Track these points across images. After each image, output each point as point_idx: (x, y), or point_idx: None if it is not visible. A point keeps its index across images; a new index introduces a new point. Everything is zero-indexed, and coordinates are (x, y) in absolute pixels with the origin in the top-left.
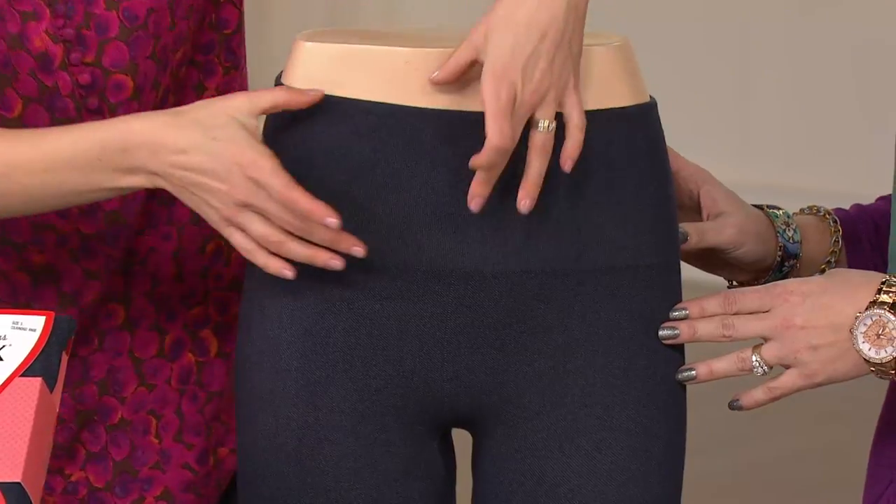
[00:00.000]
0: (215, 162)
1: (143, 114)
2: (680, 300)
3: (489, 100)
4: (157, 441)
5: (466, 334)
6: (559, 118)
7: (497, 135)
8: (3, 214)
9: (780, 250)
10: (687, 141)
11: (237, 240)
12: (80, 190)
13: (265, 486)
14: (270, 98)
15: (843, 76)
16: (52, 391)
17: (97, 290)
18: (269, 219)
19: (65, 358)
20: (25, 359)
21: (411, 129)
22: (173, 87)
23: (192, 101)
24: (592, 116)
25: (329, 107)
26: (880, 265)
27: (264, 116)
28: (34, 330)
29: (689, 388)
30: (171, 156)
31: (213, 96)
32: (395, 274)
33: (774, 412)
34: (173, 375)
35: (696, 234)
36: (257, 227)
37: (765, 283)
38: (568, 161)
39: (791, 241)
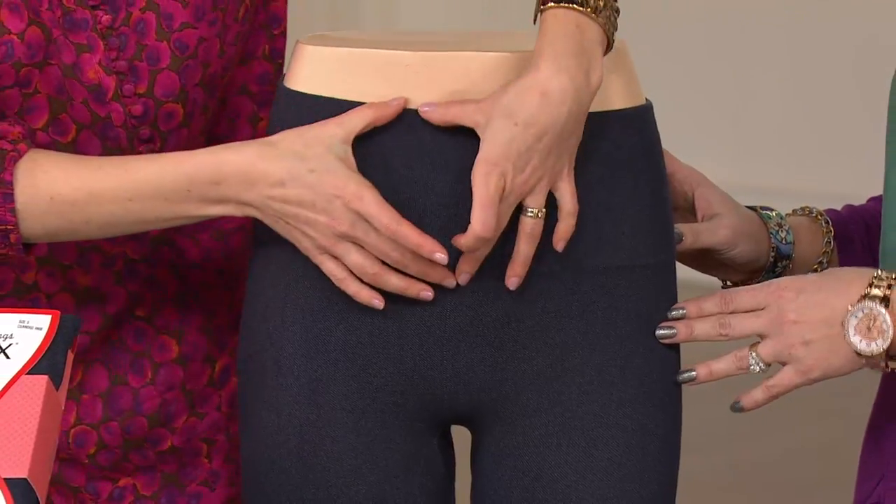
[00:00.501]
0: (315, 194)
1: (233, 145)
2: (676, 300)
3: (478, 188)
4: (207, 462)
5: (465, 333)
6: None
7: (480, 225)
8: (79, 238)
9: (772, 251)
10: (684, 142)
11: (329, 267)
12: (165, 217)
13: (268, 482)
14: (360, 119)
15: (841, 77)
16: (57, 389)
17: (141, 311)
18: (367, 249)
19: (70, 356)
20: (32, 357)
21: (411, 131)
22: (226, 116)
23: (247, 132)
24: (591, 117)
25: (331, 109)
26: (871, 265)
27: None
28: (40, 329)
29: (684, 386)
30: (267, 188)
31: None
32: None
33: (770, 410)
34: (223, 401)
35: (690, 234)
36: (355, 257)
37: (758, 283)
38: (560, 242)
39: (784, 241)
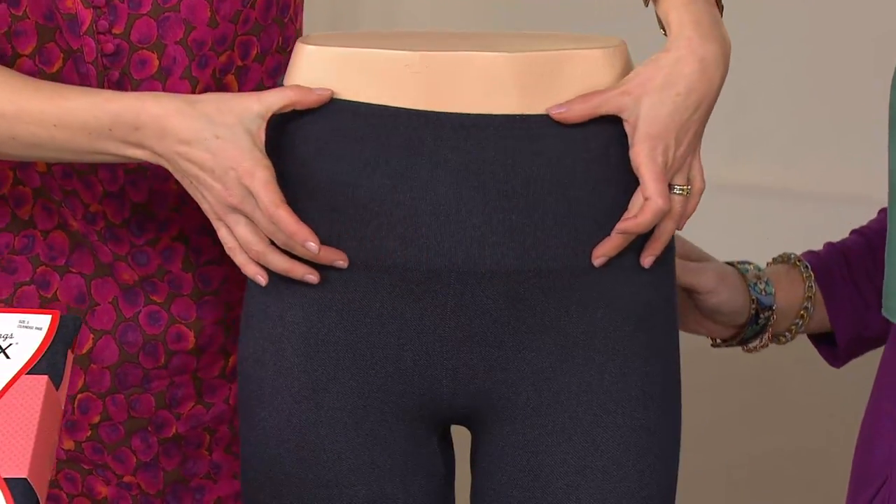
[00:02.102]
0: (214, 161)
1: (160, 94)
2: (676, 299)
3: (647, 162)
4: (207, 453)
5: (465, 333)
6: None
7: (661, 197)
8: (10, 154)
9: (753, 303)
10: None
11: (222, 234)
12: (87, 150)
13: (268, 482)
14: (280, 99)
15: (840, 75)
16: (57, 389)
17: (133, 277)
18: (256, 225)
19: (70, 356)
20: (31, 357)
21: (412, 131)
22: None
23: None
24: (591, 118)
25: (330, 109)
26: (858, 301)
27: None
28: (40, 328)
29: (684, 385)
30: (175, 144)
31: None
32: (395, 273)
33: (771, 409)
34: (231, 395)
35: (677, 268)
36: (242, 231)
37: (743, 336)
38: (684, 220)
39: (763, 293)
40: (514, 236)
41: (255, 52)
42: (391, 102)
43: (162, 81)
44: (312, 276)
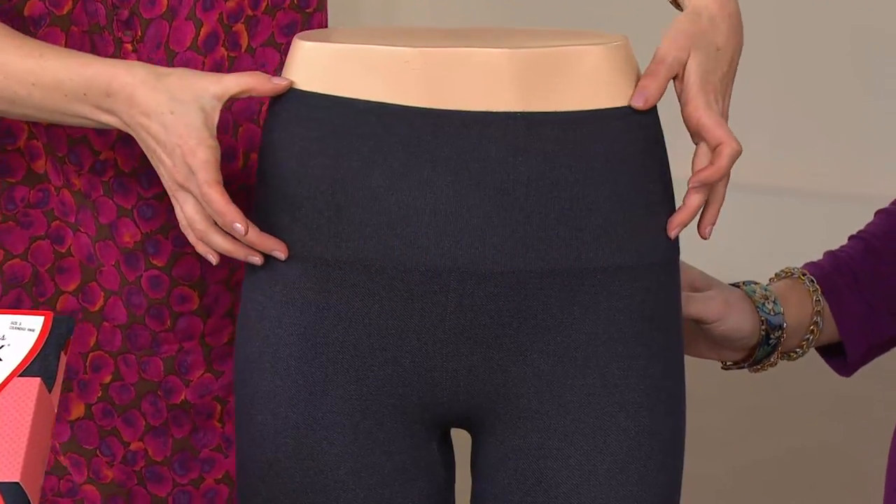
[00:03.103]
0: (166, 136)
1: (134, 63)
2: (680, 300)
3: (708, 113)
4: (220, 425)
5: (465, 334)
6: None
7: (734, 139)
8: None
9: (763, 324)
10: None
11: (176, 211)
12: (63, 111)
13: (264, 486)
14: (237, 84)
15: (840, 73)
16: (50, 391)
17: (135, 236)
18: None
19: (63, 358)
20: (24, 359)
21: (411, 129)
22: (253, 67)
23: None
24: (593, 115)
25: (328, 106)
26: (866, 309)
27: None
28: (33, 330)
29: (688, 388)
30: (138, 115)
31: None
32: (394, 273)
33: (775, 411)
34: None
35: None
36: (189, 209)
37: (755, 357)
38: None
39: (772, 313)
40: (515, 236)
41: (265, 3)
42: (390, 100)
43: (169, 21)
44: (256, 258)
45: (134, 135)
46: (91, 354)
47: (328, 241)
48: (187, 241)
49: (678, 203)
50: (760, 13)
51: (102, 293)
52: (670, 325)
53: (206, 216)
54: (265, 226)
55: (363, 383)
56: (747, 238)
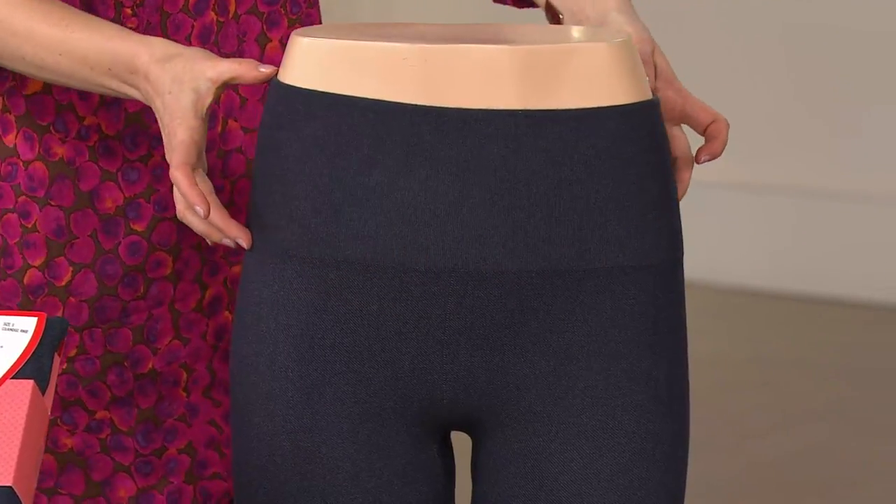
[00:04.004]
0: (164, 116)
1: (155, 41)
2: (684, 301)
3: (690, 97)
4: (185, 394)
5: (466, 335)
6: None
7: (719, 113)
8: (16, 68)
9: None
10: (688, 139)
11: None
12: (90, 82)
13: (261, 490)
14: (229, 69)
15: (841, 73)
16: (43, 393)
17: (117, 200)
18: None
19: (56, 360)
20: (17, 361)
21: (410, 126)
22: (235, 34)
23: (255, 52)
24: (596, 113)
25: (326, 104)
26: None
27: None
28: (26, 331)
29: (692, 390)
30: (151, 93)
31: (278, 49)
32: (393, 274)
33: (779, 411)
34: (209, 331)
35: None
36: (176, 189)
37: None
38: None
39: None
40: (516, 236)
41: None
42: (389, 97)
43: None
44: (228, 242)
45: (155, 110)
46: None
47: (326, 241)
48: (169, 205)
49: (681, 203)
50: (769, 18)
51: (71, 267)
52: (674, 325)
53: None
54: (261, 225)
55: (362, 386)
56: (748, 238)
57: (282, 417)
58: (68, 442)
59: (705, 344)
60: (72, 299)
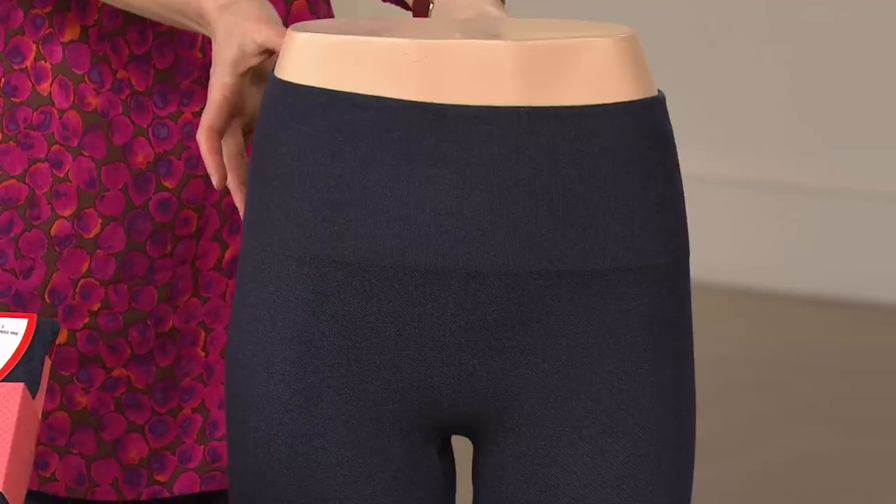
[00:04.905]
0: (212, 64)
1: None
2: (689, 301)
3: None
4: (203, 354)
5: (467, 337)
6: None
7: None
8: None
9: None
10: (694, 136)
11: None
12: (165, 18)
13: (257, 495)
14: (274, 42)
15: (845, 70)
16: (34, 397)
17: (148, 156)
18: None
19: (47, 362)
20: (7, 363)
21: (409, 124)
22: None
23: (281, 10)
24: (599, 110)
25: (324, 101)
26: None
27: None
28: (16, 333)
29: (698, 393)
30: (211, 36)
31: (304, 8)
32: (392, 274)
33: (785, 417)
34: (227, 291)
35: None
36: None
37: None
38: None
39: None
40: (518, 235)
41: None
42: (388, 94)
43: None
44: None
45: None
46: (81, 281)
47: (324, 240)
48: (200, 162)
49: (686, 202)
50: (773, 14)
51: (100, 219)
52: (679, 327)
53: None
54: (257, 224)
55: (360, 389)
56: (755, 237)
57: (278, 421)
58: (82, 400)
59: (711, 346)
60: (99, 252)
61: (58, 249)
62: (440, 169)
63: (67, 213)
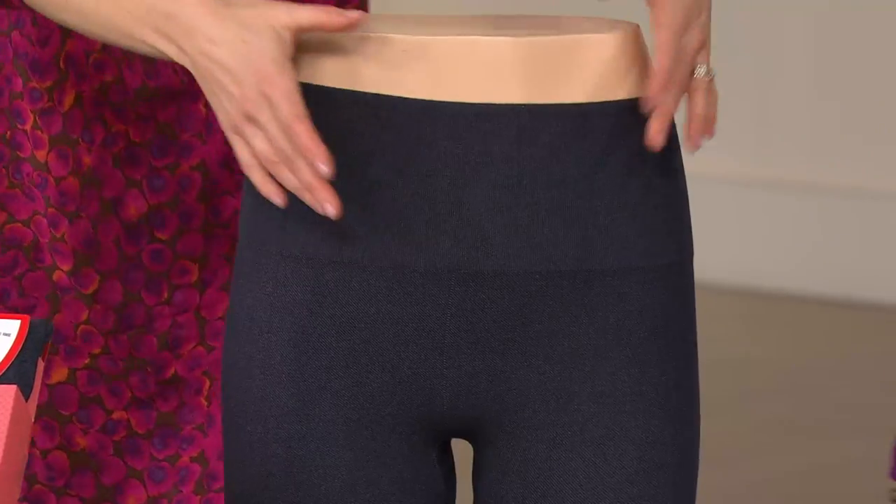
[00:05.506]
0: (237, 63)
1: None
2: (693, 302)
3: (670, 44)
4: (205, 403)
5: (467, 338)
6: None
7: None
8: (54, 17)
9: None
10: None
11: (240, 152)
12: (126, 33)
13: (253, 500)
14: (310, 17)
15: (864, 69)
16: (27, 399)
17: (141, 209)
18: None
19: (41, 364)
20: None
21: (409, 122)
22: None
23: None
24: (602, 108)
25: (323, 98)
26: None
27: None
28: (8, 335)
29: (702, 396)
30: (202, 42)
31: None
32: (392, 275)
33: (792, 424)
34: None
35: None
36: (259, 143)
37: None
38: (657, 137)
39: None
40: (519, 235)
41: None
42: (387, 91)
43: None
44: (330, 208)
45: (191, 65)
46: (82, 327)
47: (322, 240)
48: (194, 216)
49: (691, 201)
50: (790, 13)
51: (97, 276)
52: (683, 329)
53: (279, 150)
54: (255, 223)
55: (359, 391)
56: (762, 237)
57: (275, 424)
58: (81, 441)
59: (718, 350)
60: (98, 306)
61: (59, 294)
62: (440, 167)
63: (66, 268)
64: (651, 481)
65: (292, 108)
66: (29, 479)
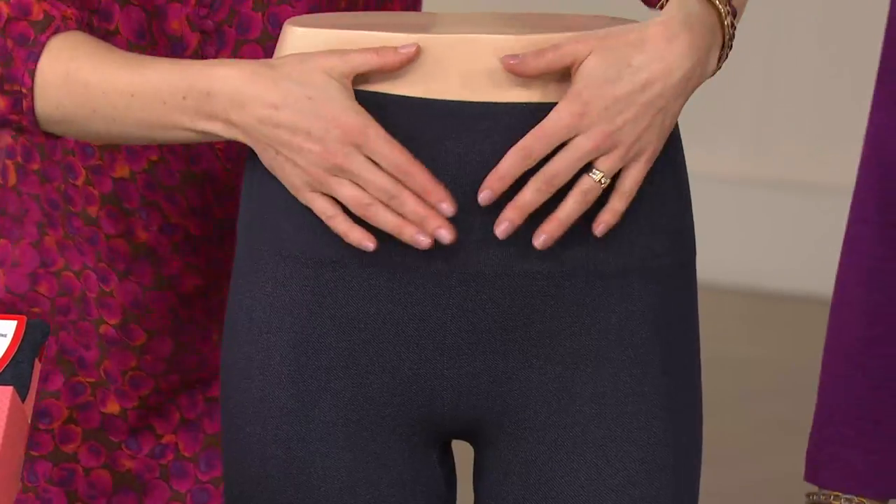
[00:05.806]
0: (310, 121)
1: (234, 61)
2: (696, 303)
3: (551, 118)
4: None
5: (468, 339)
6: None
7: (515, 151)
8: (88, 133)
9: None
10: (704, 134)
11: (320, 205)
12: (162, 124)
13: (253, 502)
14: (364, 60)
15: (865, 69)
16: (23, 400)
17: (198, 283)
18: (360, 185)
19: (37, 365)
20: None
21: (409, 121)
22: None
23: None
24: None
25: None
26: None
27: None
28: (5, 335)
29: (705, 397)
30: (260, 109)
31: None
32: (392, 275)
33: (795, 424)
34: None
35: None
36: (349, 190)
37: None
38: (601, 226)
39: None
40: (520, 235)
41: None
42: (387, 90)
43: None
44: (424, 240)
45: (244, 136)
46: (131, 373)
47: (322, 239)
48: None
49: (692, 201)
50: (793, 13)
51: (145, 334)
52: (685, 329)
53: (381, 191)
54: (254, 223)
55: (359, 392)
56: (766, 237)
57: (275, 425)
58: (128, 464)
59: (721, 350)
60: (147, 357)
61: (106, 345)
62: (440, 166)
63: (113, 322)
64: (653, 483)
65: (399, 152)
66: (69, 494)
